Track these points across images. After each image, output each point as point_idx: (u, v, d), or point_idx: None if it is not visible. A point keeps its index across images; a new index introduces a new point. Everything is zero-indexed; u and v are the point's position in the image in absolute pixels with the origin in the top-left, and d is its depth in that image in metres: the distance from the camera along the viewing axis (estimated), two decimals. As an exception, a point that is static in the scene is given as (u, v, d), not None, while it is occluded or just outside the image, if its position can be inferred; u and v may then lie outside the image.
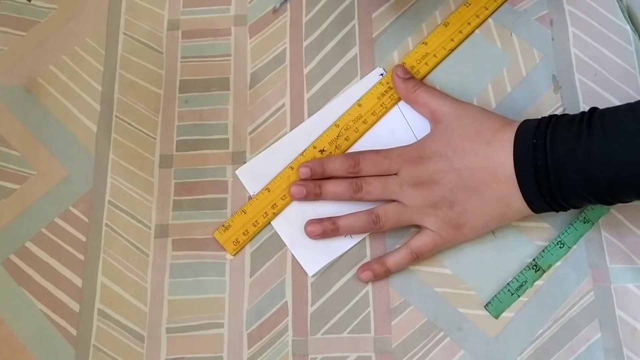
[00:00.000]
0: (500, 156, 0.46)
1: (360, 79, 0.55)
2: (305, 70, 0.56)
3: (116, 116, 0.55)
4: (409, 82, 0.52)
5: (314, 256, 0.50)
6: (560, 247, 0.49)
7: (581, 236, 0.49)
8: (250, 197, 0.52)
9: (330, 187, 0.50)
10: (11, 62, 0.58)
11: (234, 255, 0.51)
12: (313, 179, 0.51)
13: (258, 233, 0.51)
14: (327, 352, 0.48)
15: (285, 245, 0.51)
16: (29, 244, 0.52)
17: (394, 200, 0.49)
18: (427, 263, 0.50)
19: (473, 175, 0.47)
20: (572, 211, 0.47)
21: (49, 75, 0.57)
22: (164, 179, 0.53)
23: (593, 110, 0.44)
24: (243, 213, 0.51)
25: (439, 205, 0.48)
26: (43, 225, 0.52)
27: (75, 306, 0.50)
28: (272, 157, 0.53)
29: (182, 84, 0.56)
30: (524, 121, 0.47)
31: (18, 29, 0.58)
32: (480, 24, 0.55)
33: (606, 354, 0.46)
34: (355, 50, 0.56)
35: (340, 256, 0.50)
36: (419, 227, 0.49)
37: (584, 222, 0.49)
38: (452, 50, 0.54)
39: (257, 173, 0.53)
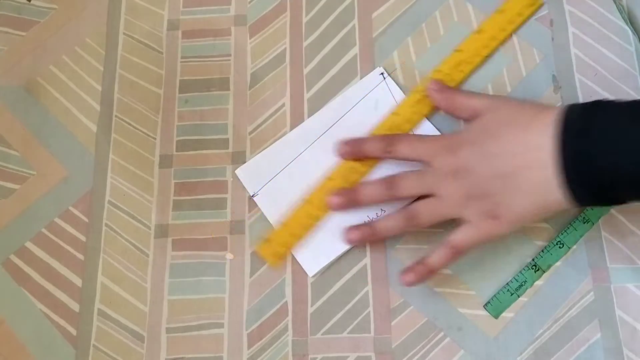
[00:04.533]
0: (539, 140, 0.43)
1: (361, 79, 0.55)
2: (305, 70, 0.56)
3: (116, 116, 0.55)
4: (445, 92, 0.51)
5: (314, 257, 0.50)
6: (560, 247, 0.49)
7: (581, 236, 0.49)
8: (250, 197, 0.52)
9: (366, 190, 0.49)
10: (11, 62, 0.58)
11: (275, 266, 0.50)
12: (353, 158, 0.50)
13: (298, 244, 0.50)
14: (327, 352, 0.48)
15: (285, 245, 0.51)
16: (29, 244, 0.52)
17: (429, 196, 0.48)
18: (427, 263, 0.50)
19: (509, 161, 0.44)
20: (572, 211, 0.47)
21: (49, 75, 0.57)
22: (164, 179, 0.53)
23: None
24: (283, 225, 0.50)
25: (475, 195, 0.46)
26: (43, 225, 0.52)
27: (75, 306, 0.50)
28: (272, 156, 0.53)
29: (182, 84, 0.56)
30: (567, 105, 0.44)
31: (18, 29, 0.59)
32: (515, 30, 0.55)
33: (606, 354, 0.46)
34: (355, 50, 0.56)
35: (340, 256, 0.50)
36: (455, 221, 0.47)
37: (584, 222, 0.49)
38: (487, 56, 0.54)
39: (257, 172, 0.53)
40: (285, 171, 0.52)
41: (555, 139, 0.42)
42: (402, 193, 0.48)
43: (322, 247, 0.50)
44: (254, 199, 0.52)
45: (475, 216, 0.46)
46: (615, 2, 0.54)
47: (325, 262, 0.50)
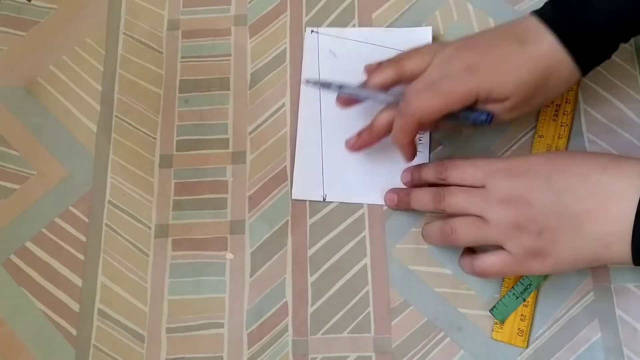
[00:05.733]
0: (617, 186, 0.39)
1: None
2: (305, 70, 0.56)
3: (116, 116, 0.55)
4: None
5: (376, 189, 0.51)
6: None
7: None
8: (249, 197, 0.52)
9: (417, 195, 0.48)
10: (11, 62, 0.58)
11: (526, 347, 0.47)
12: (413, 184, 0.49)
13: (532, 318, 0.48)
14: (327, 352, 0.48)
15: (286, 245, 0.51)
16: (29, 244, 0.52)
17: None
18: (427, 263, 0.50)
19: (575, 202, 0.40)
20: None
21: (49, 75, 0.57)
22: (164, 178, 0.53)
23: None
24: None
25: (527, 228, 0.42)
26: (43, 225, 0.52)
27: (75, 306, 0.50)
28: (307, 161, 0.53)
29: (182, 84, 0.56)
30: None
31: (18, 29, 0.59)
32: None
33: (606, 354, 0.46)
34: (355, 50, 0.56)
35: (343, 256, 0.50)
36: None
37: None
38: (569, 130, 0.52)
39: (308, 184, 0.52)
40: (328, 159, 0.52)
41: None
42: (447, 208, 0.45)
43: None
44: (327, 201, 0.52)
45: (519, 249, 0.42)
46: None
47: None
